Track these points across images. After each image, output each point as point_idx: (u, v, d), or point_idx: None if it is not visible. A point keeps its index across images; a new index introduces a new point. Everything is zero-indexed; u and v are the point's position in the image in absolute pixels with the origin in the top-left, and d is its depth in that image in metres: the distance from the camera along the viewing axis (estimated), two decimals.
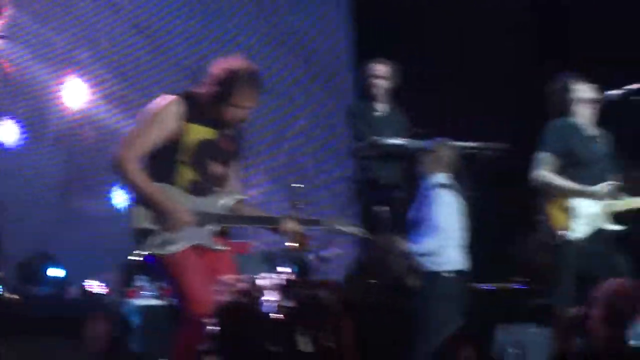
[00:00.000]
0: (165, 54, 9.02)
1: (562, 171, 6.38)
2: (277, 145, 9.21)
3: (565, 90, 6.44)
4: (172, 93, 5.17)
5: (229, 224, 5.31)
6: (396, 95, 8.08)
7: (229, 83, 5.09)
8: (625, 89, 6.36)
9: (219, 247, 5.18)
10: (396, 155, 7.64)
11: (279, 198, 6.77)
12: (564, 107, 6.47)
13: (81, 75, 8.77)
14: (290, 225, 5.24)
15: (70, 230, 8.43)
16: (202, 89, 5.17)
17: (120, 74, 8.91)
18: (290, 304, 3.24)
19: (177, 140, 5.11)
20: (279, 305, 3.24)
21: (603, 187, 6.30)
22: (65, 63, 8.66)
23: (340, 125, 8.54)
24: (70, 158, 8.75)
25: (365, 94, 8.16)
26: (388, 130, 7.85)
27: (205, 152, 5.18)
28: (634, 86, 6.35)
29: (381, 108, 8.05)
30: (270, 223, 5.29)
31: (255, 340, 3.13)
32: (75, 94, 8.76)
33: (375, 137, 7.67)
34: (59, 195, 8.66)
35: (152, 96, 5.22)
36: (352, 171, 8.03)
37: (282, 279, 3.38)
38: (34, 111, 8.58)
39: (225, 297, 3.54)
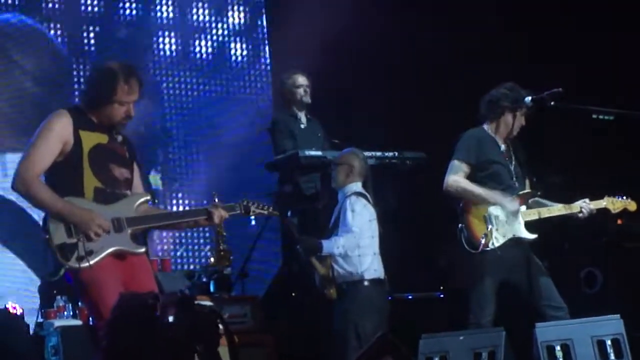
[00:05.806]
0: None
1: (476, 181, 6.38)
2: (196, 155, 9.14)
3: (492, 100, 6.43)
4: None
5: (150, 225, 5.37)
6: (314, 106, 8.07)
7: (107, 81, 5.17)
8: (545, 94, 6.31)
9: (140, 250, 5.18)
10: (316, 167, 7.62)
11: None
12: (486, 115, 6.48)
13: None
14: (220, 211, 5.31)
15: None
16: (85, 96, 5.32)
17: None
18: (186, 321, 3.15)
19: (73, 150, 5.15)
20: (174, 323, 3.14)
21: (513, 201, 6.30)
22: None
23: (261, 136, 8.48)
24: None
25: (285, 105, 8.12)
26: (309, 142, 7.83)
27: (102, 155, 5.22)
28: (554, 91, 6.30)
29: (302, 120, 8.03)
30: (195, 215, 5.41)
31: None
32: None
33: (296, 150, 7.66)
34: None
35: None
36: (274, 183, 7.98)
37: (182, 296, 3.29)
38: None
39: (120, 310, 3.44)
